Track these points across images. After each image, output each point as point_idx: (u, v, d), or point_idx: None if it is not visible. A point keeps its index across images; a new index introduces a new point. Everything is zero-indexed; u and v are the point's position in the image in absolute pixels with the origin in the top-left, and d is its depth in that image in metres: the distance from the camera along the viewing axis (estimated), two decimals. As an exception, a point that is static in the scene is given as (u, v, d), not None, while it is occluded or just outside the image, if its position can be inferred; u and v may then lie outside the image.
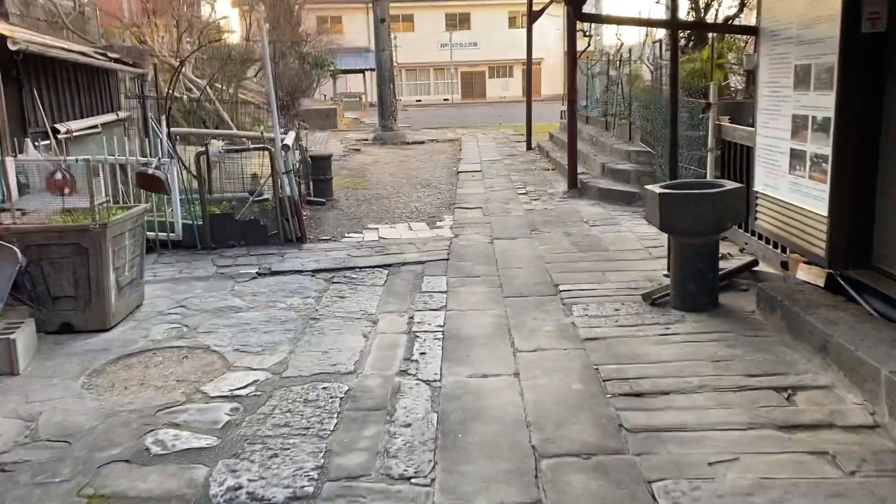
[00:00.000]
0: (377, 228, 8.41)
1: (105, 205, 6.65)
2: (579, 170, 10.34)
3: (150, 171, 7.01)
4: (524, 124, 18.85)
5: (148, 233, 7.28)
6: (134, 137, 10.92)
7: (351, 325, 5.05)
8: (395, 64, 51.11)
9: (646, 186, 5.13)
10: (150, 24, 12.53)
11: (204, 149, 7.20)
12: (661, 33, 17.59)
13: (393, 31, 52.77)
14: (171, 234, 7.39)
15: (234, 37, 20.53)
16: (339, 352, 4.54)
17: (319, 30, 50.47)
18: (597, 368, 4.15)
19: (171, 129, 10.43)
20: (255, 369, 4.29)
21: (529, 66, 16.39)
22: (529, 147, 16.51)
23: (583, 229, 7.94)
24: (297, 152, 9.93)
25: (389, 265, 6.65)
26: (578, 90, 16.55)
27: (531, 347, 4.53)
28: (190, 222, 7.38)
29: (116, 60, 9.32)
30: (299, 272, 6.49)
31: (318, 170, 10.47)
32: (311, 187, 10.46)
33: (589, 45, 16.58)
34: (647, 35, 17.51)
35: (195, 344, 4.74)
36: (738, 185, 4.98)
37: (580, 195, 9.93)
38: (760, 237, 6.18)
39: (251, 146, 7.45)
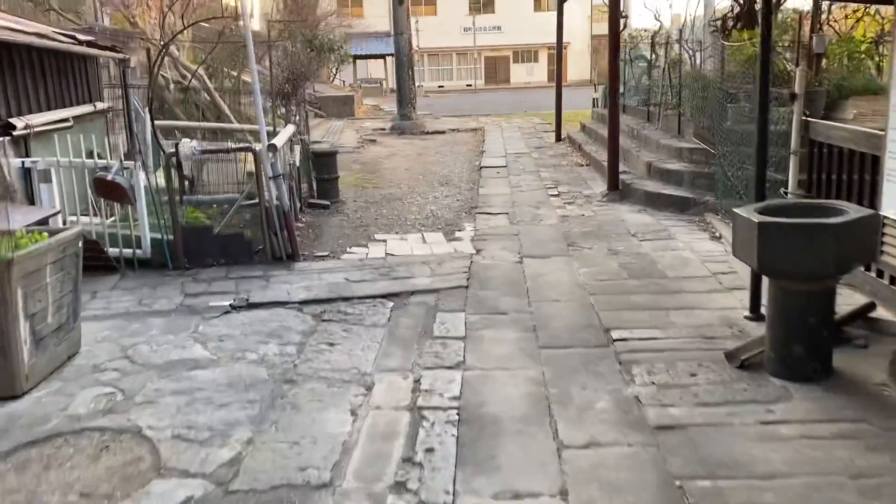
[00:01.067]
0: (385, 241, 7.13)
1: (51, 220, 5.49)
2: (620, 168, 8.97)
3: (110, 176, 5.81)
4: (551, 112, 17.45)
5: (111, 249, 6.13)
6: (120, 131, 9.77)
7: (337, 394, 3.79)
8: (416, 49, 49.87)
9: (734, 210, 3.79)
10: (140, 3, 11.32)
11: (174, 149, 5.96)
12: (698, 13, 16.00)
13: (414, 14, 51.48)
14: (139, 251, 6.19)
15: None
16: (314, 443, 3.28)
17: (339, 13, 49.18)
18: (681, 487, 2.85)
19: (157, 121, 9.25)
20: (194, 475, 3.05)
21: (560, 49, 14.97)
22: (559, 138, 15.12)
23: (631, 245, 6.60)
24: (299, 147, 8.69)
25: (396, 295, 5.38)
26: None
27: (582, 441, 3.24)
28: (161, 236, 6.16)
29: (90, 44, 8.12)
30: (283, 304, 5.24)
31: (322, 168, 9.22)
32: (315, 188, 9.22)
33: (625, 26, 15.09)
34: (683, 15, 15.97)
35: (124, 425, 3.51)
36: (867, 210, 3.63)
37: (622, 199, 8.57)
38: (868, 268, 4.81)
39: (231, 147, 6.21)
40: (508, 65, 54.21)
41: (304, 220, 8.13)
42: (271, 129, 8.18)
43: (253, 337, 4.65)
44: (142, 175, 5.95)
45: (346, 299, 5.32)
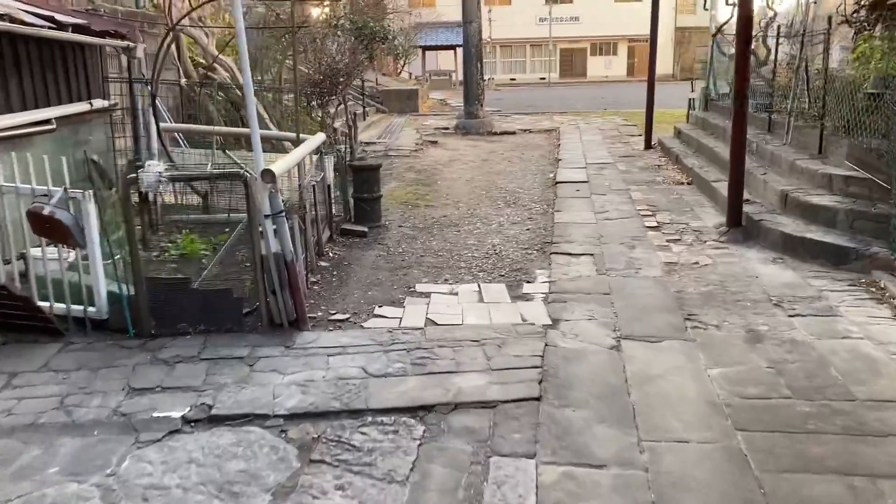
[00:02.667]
0: (428, 295, 5.32)
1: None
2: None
3: (48, 209, 4.21)
4: (636, 111, 15.44)
5: (56, 305, 4.55)
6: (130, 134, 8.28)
7: None
8: (488, 40, 47.88)
9: None
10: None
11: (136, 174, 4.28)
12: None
13: (487, 4, 49.50)
14: (92, 309, 4.57)
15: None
16: None
17: (409, 1, 47.67)
18: None
19: (166, 125, 7.74)
20: None
21: (654, 40, 12.77)
22: (649, 145, 12.97)
23: (777, 323, 4.58)
24: (332, 160, 7.00)
25: (430, 409, 3.56)
26: (713, 71, 12.90)
27: None
28: (121, 289, 4.52)
29: (79, 29, 6.60)
30: (261, 419, 3.49)
31: (361, 185, 7.48)
32: (352, 210, 7.50)
33: (732, 15, 12.80)
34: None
35: None
36: None
37: (746, 238, 6.49)
38: None
39: (211, 173, 4.49)
40: (585, 57, 51.68)
41: (331, 254, 6.42)
42: (294, 136, 6.50)
43: (194, 494, 2.91)
44: (92, 208, 4.30)
45: (355, 414, 3.53)
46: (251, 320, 4.62)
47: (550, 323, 4.69)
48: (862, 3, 9.63)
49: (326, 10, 11.38)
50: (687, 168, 9.91)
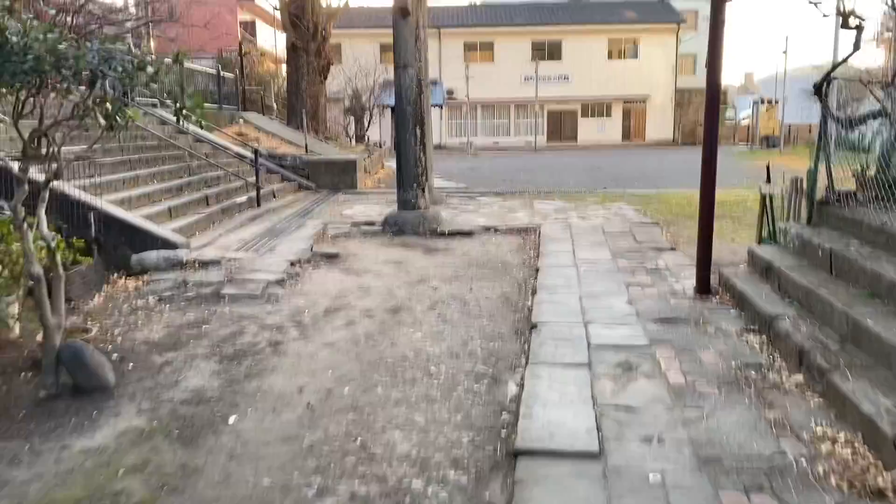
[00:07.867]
0: None
1: None
2: None
3: None
4: (649, 192, 9.61)
5: None
6: None
7: None
8: (466, 100, 42.49)
9: None
10: None
11: None
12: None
13: (468, 60, 44.28)
14: None
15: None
16: None
17: (383, 57, 42.46)
18: None
19: None
20: None
21: (715, 85, 6.67)
22: (706, 286, 6.79)
23: None
24: None
25: None
26: (827, 151, 6.85)
27: None
28: None
29: None
30: None
31: None
32: None
33: (857, 46, 6.77)
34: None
35: None
36: None
37: None
38: None
39: None
40: (576, 120, 46.56)
41: None
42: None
43: None
44: None
45: None
46: None
47: None
48: None
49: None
50: (862, 417, 3.71)
